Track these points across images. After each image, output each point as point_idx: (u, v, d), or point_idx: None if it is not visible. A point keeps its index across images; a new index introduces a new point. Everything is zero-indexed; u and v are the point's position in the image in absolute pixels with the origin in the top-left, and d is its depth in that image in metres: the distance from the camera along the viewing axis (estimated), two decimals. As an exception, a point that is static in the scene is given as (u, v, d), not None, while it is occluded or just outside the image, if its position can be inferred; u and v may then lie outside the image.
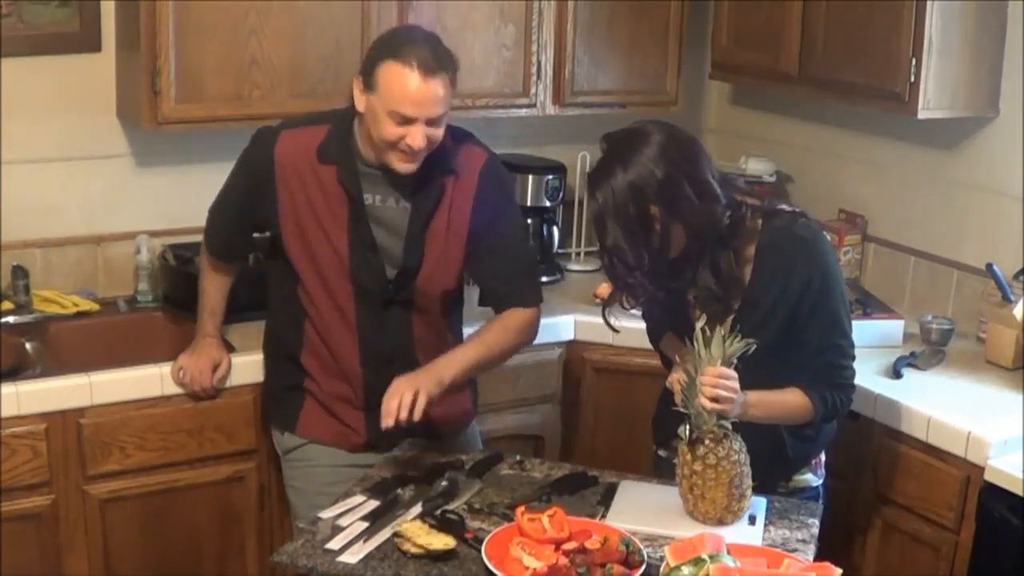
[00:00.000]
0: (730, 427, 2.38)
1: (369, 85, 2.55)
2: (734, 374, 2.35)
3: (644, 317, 2.75)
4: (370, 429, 2.75)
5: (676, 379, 2.45)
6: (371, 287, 2.70)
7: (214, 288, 2.99)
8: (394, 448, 2.74)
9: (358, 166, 2.66)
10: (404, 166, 2.59)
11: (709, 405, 2.33)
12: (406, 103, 2.51)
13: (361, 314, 2.72)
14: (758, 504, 2.47)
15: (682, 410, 2.40)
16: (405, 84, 2.50)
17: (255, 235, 2.87)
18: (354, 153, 2.66)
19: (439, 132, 2.59)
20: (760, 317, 2.47)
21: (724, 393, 2.33)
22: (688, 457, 2.38)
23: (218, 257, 2.95)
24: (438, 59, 2.54)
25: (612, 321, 2.58)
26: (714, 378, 2.32)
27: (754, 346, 2.35)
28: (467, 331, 2.85)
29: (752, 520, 2.42)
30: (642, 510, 2.45)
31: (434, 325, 2.80)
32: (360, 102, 2.59)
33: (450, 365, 2.66)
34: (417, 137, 2.53)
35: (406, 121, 2.52)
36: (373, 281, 2.70)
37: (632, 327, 2.74)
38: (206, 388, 2.96)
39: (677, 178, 2.35)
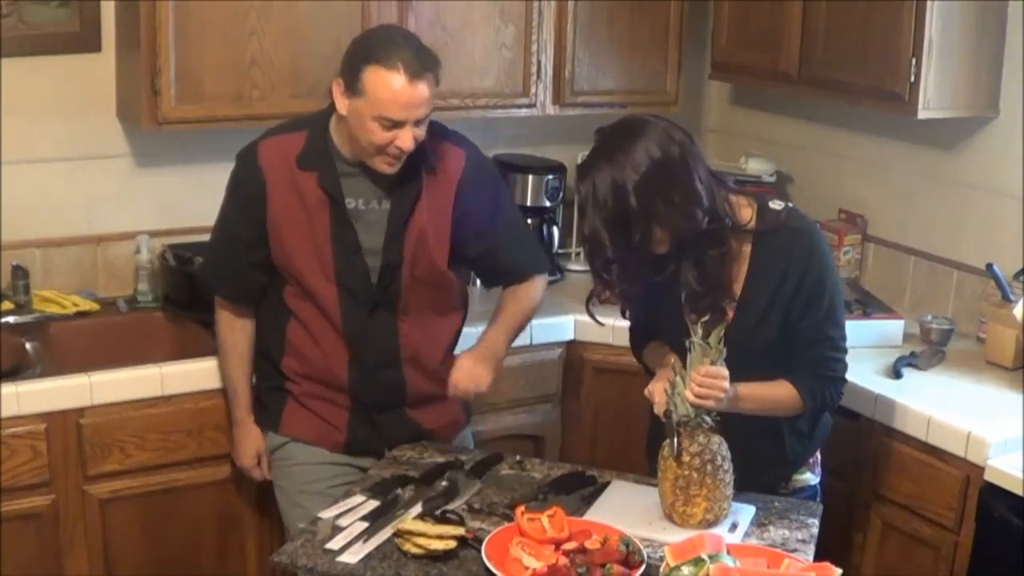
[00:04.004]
0: (711, 422, 2.36)
1: (353, 89, 2.52)
2: (724, 372, 2.34)
3: (629, 330, 2.74)
4: (353, 430, 2.76)
5: (658, 388, 2.44)
6: (356, 290, 2.68)
7: (236, 343, 2.83)
8: (372, 454, 2.75)
9: (338, 169, 2.64)
10: (389, 168, 2.59)
11: (696, 402, 2.32)
12: (395, 107, 2.49)
13: (348, 318, 2.69)
14: (744, 511, 2.44)
15: (662, 419, 2.39)
16: (393, 89, 2.48)
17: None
18: (334, 156, 2.65)
19: (423, 132, 2.58)
20: (760, 312, 2.47)
21: (713, 392, 2.32)
22: (671, 461, 2.37)
23: (235, 300, 2.81)
24: (422, 61, 2.52)
25: (598, 315, 2.61)
26: (703, 377, 2.31)
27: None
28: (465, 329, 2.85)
29: (733, 527, 2.38)
30: (622, 510, 2.42)
31: (423, 329, 2.77)
32: (342, 105, 2.56)
33: (496, 343, 2.74)
34: (407, 139, 2.53)
35: (395, 125, 2.51)
36: (358, 284, 2.68)
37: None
38: (260, 479, 2.95)
39: (660, 180, 2.31)
